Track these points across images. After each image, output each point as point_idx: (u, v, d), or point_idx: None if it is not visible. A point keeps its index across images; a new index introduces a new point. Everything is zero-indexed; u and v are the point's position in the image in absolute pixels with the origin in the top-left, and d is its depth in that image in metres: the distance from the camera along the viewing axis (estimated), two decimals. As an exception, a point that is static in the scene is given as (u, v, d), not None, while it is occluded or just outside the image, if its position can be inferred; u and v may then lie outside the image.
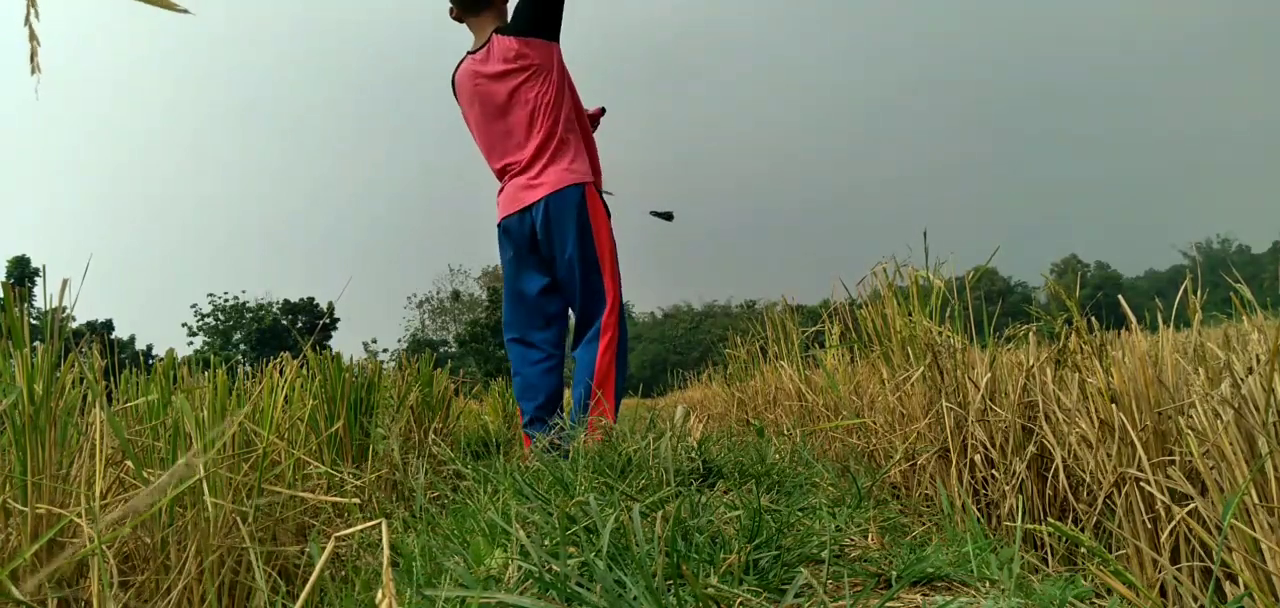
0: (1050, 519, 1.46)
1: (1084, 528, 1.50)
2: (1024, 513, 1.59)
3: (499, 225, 2.64)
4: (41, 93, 0.68)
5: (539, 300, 2.64)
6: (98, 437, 1.29)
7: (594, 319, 2.55)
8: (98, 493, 1.24)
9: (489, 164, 2.67)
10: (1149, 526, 1.37)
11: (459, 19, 2.62)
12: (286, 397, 1.82)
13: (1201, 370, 1.33)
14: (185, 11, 0.62)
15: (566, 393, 2.79)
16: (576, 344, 2.62)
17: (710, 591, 0.82)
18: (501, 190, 2.62)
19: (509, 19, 2.56)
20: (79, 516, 1.23)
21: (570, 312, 2.69)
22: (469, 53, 2.58)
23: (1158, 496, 1.32)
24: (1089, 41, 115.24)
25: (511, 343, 2.69)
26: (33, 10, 0.64)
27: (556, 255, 2.53)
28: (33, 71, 0.67)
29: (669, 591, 0.80)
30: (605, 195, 2.66)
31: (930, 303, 2.10)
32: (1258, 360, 1.22)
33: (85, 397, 1.44)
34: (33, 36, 0.66)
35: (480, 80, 2.52)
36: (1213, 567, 1.02)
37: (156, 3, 0.61)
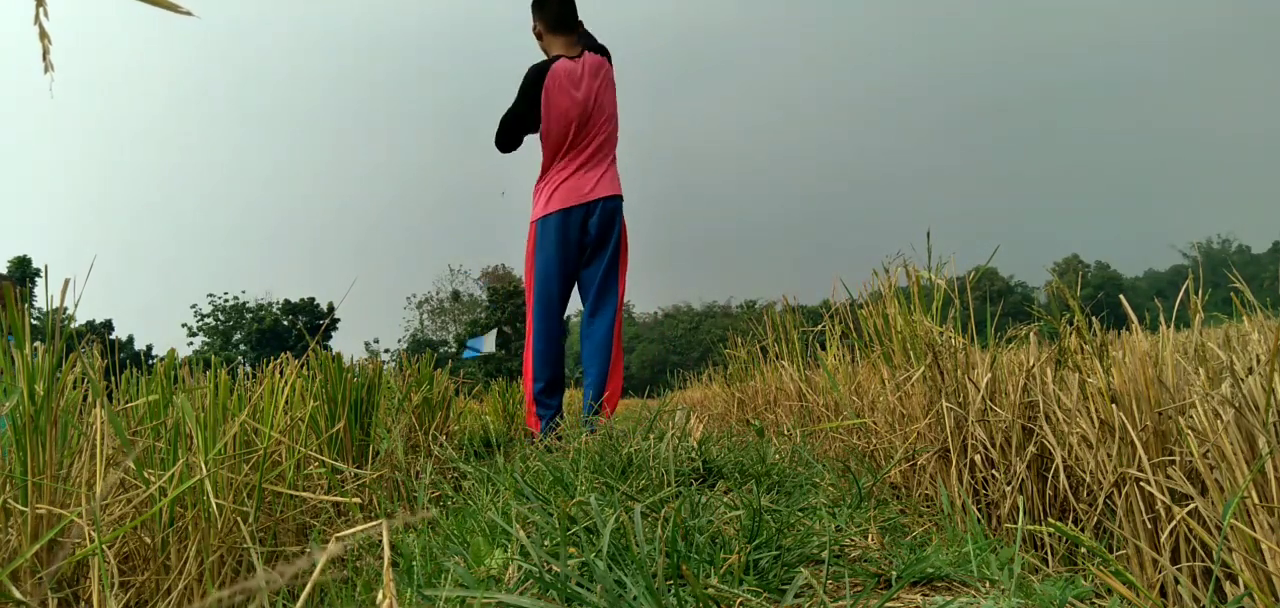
0: (1050, 519, 1.46)
1: (1084, 528, 1.50)
2: (1024, 513, 1.59)
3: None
4: (55, 90, 0.68)
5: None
6: (98, 437, 1.29)
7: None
8: (98, 493, 1.24)
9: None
10: (1149, 526, 1.37)
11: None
12: (287, 399, 1.82)
13: (1202, 370, 1.33)
14: (188, 13, 0.62)
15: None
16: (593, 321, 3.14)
17: (710, 591, 0.82)
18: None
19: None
20: (79, 516, 1.23)
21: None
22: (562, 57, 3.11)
23: (1158, 496, 1.32)
24: (1090, 41, 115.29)
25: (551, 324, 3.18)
26: (42, 9, 0.64)
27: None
28: (46, 70, 0.68)
29: (669, 591, 0.80)
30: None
31: (932, 303, 2.10)
32: (1258, 360, 1.22)
33: (86, 397, 1.44)
34: (44, 35, 0.66)
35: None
36: (1213, 567, 1.02)
37: (159, 3, 0.61)
